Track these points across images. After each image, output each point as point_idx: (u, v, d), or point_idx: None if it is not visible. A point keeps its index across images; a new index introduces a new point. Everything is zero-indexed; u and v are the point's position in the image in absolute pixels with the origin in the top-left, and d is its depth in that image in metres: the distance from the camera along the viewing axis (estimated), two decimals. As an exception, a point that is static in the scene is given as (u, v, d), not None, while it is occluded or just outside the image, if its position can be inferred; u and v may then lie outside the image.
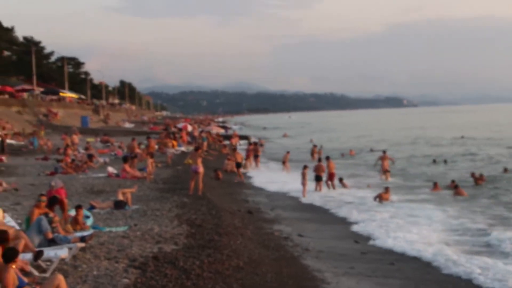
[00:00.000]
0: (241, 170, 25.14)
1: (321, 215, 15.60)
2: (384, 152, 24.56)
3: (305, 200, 18.30)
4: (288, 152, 29.53)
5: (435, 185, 19.84)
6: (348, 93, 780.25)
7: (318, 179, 19.94)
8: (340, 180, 21.18)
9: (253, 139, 46.40)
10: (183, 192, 15.73)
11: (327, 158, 21.47)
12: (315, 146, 35.02)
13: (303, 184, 19.04)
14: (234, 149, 29.17)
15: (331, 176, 20.36)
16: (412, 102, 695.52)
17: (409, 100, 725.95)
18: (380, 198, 16.89)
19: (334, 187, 20.33)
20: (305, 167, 19.61)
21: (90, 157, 23.67)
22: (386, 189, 17.34)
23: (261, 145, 31.51)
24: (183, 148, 32.76)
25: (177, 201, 14.00)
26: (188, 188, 15.79)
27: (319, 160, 21.51)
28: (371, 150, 38.89)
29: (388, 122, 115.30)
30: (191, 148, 29.39)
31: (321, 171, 19.99)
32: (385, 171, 23.23)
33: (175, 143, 33.90)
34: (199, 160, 15.72)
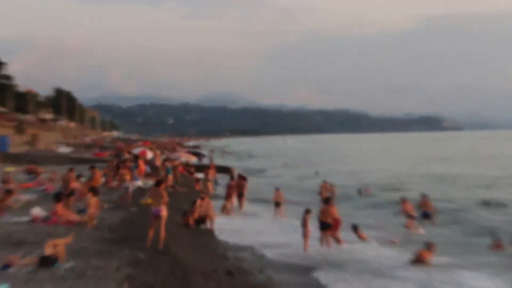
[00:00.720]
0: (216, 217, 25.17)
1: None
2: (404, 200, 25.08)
3: (306, 257, 18.19)
4: (277, 190, 29.20)
5: (497, 242, 19.56)
6: (368, 110, 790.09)
7: (324, 227, 19.68)
8: (355, 229, 21.07)
9: (236, 172, 46.43)
10: (137, 244, 15.59)
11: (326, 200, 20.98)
12: (325, 182, 35.41)
13: (305, 235, 18.93)
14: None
15: (335, 224, 19.93)
16: (455, 124, 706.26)
17: (451, 120, 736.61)
18: (419, 258, 16.58)
19: (338, 241, 19.93)
20: (307, 211, 19.53)
21: (8, 193, 23.40)
22: (429, 246, 17.21)
23: (244, 179, 31.70)
24: (139, 183, 32.57)
25: (129, 256, 13.85)
26: (145, 238, 15.68)
27: (327, 201, 20.65)
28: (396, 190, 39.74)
29: (423, 149, 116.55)
30: (150, 182, 29.27)
31: (329, 216, 19.72)
32: (408, 217, 23.78)
33: (127, 175, 33.70)
34: (162, 200, 15.63)
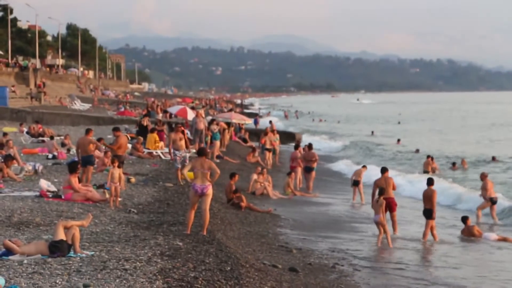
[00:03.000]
0: (281, 194, 25.41)
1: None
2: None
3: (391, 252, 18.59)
4: (364, 167, 29.67)
5: None
6: (481, 61, 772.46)
7: (428, 215, 20.69)
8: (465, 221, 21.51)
9: (303, 140, 46.45)
10: (174, 228, 15.76)
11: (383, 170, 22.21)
12: (429, 157, 37.95)
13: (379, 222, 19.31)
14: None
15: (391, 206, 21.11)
16: None
17: None
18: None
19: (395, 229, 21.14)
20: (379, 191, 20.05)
21: (8, 160, 23.89)
22: None
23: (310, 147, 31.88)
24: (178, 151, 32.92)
25: (164, 245, 13.97)
26: (184, 222, 15.83)
27: (430, 183, 21.37)
28: (494, 159, 45.78)
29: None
30: (192, 151, 29.48)
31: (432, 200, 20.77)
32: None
33: (157, 140, 34.20)
34: (207, 174, 15.67)
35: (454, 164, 43.20)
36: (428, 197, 20.75)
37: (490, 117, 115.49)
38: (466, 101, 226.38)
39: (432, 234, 20.56)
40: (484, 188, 25.58)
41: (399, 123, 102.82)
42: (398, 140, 61.10)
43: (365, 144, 61.40)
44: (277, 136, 41.24)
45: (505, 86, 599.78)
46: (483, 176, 26.22)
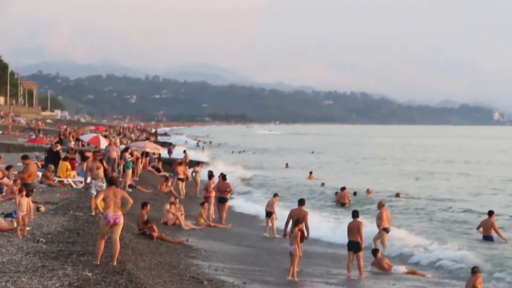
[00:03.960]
0: (193, 224, 25.42)
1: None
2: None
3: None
4: (275, 196, 29.79)
5: None
6: (394, 95, 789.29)
7: (355, 247, 21.05)
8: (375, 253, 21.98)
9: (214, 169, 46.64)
10: (84, 259, 15.60)
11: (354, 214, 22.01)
12: (344, 188, 38.20)
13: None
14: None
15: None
16: (509, 117, 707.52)
17: (504, 112, 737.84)
18: None
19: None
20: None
21: None
22: None
23: (224, 177, 31.94)
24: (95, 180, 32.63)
25: (72, 275, 13.84)
26: (94, 252, 15.68)
27: (355, 215, 21.71)
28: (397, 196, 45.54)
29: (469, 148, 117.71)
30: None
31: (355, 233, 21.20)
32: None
33: (69, 169, 33.76)
34: (119, 203, 15.60)
35: (355, 193, 43.95)
36: (354, 229, 21.07)
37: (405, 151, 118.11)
38: (377, 134, 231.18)
39: (359, 267, 20.98)
40: (379, 218, 25.88)
41: (312, 152, 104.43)
42: (311, 173, 61.08)
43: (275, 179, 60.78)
44: (201, 168, 41.37)
45: (416, 120, 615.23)
46: (380, 205, 26.59)
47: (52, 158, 36.88)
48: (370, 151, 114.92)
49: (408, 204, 41.85)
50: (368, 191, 44.77)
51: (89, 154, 36.28)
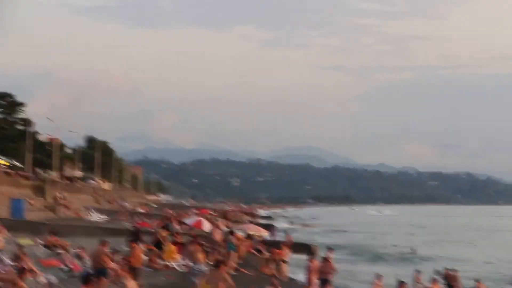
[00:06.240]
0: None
1: None
2: None
3: None
4: (380, 277, 29.22)
5: None
6: (499, 175, 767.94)
7: None
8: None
9: (319, 253, 46.21)
10: None
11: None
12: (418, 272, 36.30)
13: None
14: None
15: None
16: None
17: None
18: None
19: None
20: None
21: (22, 273, 23.98)
22: None
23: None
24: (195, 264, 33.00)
25: None
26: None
27: None
28: None
29: None
30: (208, 264, 29.52)
31: None
32: None
33: (175, 252, 34.22)
34: (222, 285, 15.75)
35: None
36: None
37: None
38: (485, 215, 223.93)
39: None
40: None
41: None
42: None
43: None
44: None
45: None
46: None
47: (158, 242, 37.61)
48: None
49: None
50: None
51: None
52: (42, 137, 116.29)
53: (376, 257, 61.29)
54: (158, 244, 37.27)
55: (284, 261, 37.09)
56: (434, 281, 27.70)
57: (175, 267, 33.09)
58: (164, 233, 40.79)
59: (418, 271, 34.53)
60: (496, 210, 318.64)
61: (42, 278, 25.04)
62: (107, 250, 26.19)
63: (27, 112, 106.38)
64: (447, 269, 37.97)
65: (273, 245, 45.77)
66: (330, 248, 35.03)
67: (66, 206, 76.35)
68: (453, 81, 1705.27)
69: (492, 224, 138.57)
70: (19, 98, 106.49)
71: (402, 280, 23.74)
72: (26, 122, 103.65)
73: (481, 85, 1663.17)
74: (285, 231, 60.30)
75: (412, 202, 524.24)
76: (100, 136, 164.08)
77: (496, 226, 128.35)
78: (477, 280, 40.66)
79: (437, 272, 38.32)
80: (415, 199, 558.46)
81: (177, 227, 55.18)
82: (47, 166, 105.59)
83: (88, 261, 30.07)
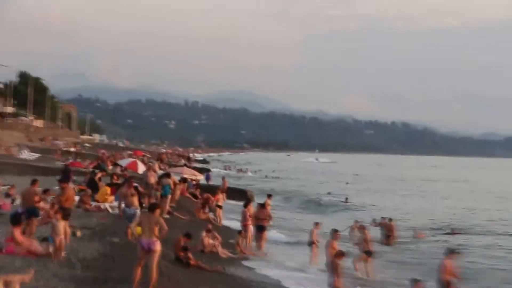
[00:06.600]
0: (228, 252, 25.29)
1: None
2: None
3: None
4: (317, 224, 29.16)
5: None
6: (436, 125, 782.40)
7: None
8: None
9: (255, 199, 46.40)
10: (119, 286, 15.62)
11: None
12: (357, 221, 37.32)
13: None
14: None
15: None
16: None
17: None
18: None
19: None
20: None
21: None
22: None
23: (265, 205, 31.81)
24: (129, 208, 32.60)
25: (107, 303, 13.71)
26: (130, 279, 15.66)
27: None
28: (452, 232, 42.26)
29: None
30: (141, 207, 29.18)
31: None
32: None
33: (108, 194, 33.77)
34: (156, 229, 15.56)
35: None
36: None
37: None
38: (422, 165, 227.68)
39: None
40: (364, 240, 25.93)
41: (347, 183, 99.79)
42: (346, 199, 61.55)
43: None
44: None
45: (459, 151, 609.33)
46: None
47: (92, 183, 37.06)
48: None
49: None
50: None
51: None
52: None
53: (309, 204, 62.09)
54: (91, 185, 36.74)
55: (219, 206, 37.00)
56: (361, 228, 27.95)
57: (108, 209, 32.66)
58: (99, 174, 40.30)
59: (357, 221, 35.12)
60: (431, 160, 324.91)
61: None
62: (38, 189, 25.61)
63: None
64: (383, 218, 38.56)
65: (208, 189, 45.69)
66: (269, 195, 35.29)
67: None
68: (394, 33, 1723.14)
69: (427, 175, 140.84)
70: None
71: (336, 228, 23.72)
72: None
73: (420, 38, 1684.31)
74: (223, 177, 60.06)
75: (348, 150, 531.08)
76: (34, 73, 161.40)
77: (430, 177, 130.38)
78: (416, 229, 41.63)
79: (374, 221, 38.96)
80: (352, 147, 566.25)
81: (110, 167, 54.62)
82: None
83: (18, 200, 29.48)
